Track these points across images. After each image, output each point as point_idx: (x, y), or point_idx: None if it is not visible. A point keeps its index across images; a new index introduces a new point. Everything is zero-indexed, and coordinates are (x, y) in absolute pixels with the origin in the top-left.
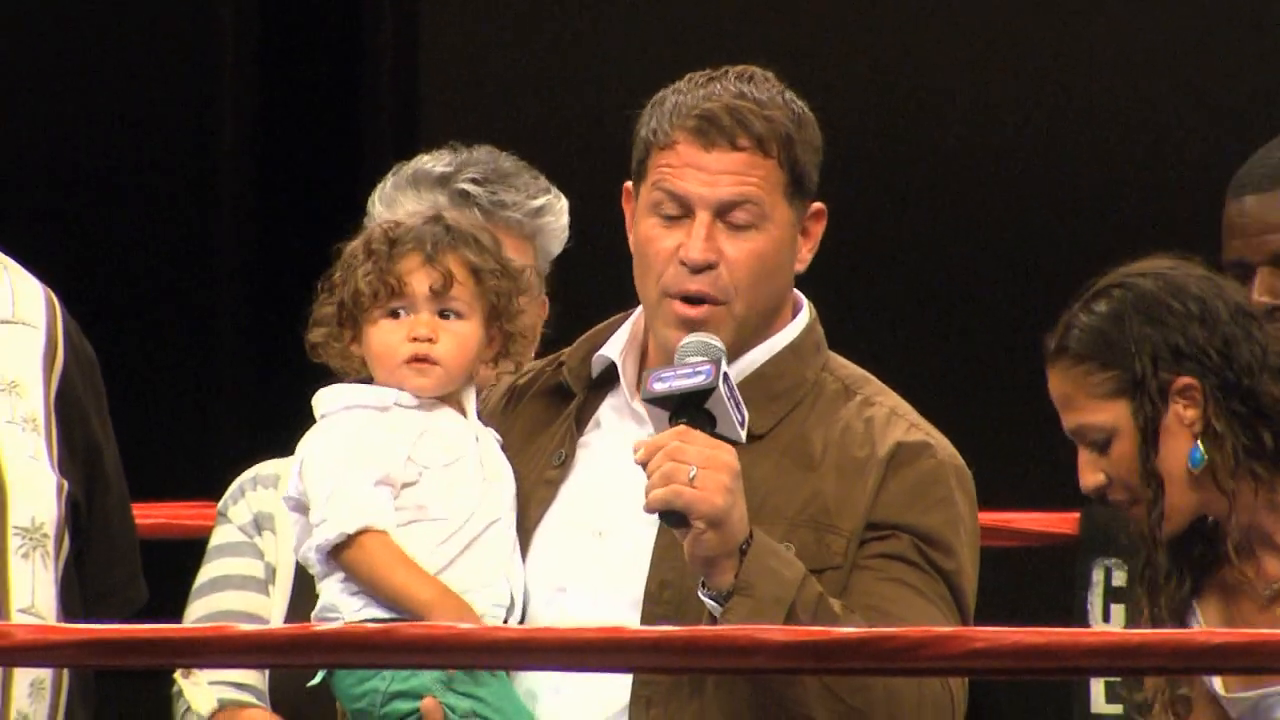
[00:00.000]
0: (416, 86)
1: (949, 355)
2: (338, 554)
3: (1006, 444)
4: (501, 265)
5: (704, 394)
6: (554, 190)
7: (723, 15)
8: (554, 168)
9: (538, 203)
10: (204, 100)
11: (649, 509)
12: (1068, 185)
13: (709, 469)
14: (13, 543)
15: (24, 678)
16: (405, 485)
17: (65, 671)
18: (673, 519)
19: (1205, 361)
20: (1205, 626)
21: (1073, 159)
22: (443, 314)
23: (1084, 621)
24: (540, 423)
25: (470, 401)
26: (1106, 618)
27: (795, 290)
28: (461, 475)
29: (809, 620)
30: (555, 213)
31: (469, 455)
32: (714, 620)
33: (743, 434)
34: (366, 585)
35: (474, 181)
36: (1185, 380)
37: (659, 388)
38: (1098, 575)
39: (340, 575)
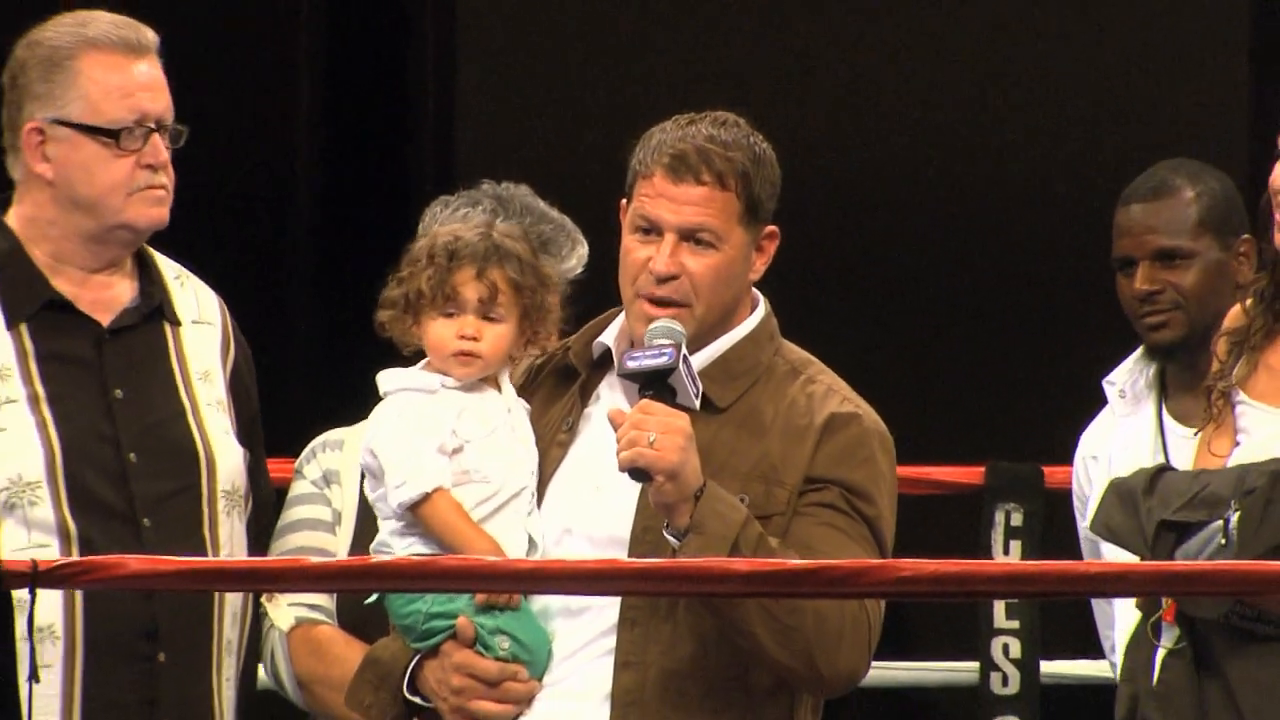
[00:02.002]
0: (453, 113)
1: (880, 339)
2: (415, 508)
3: (924, 409)
4: (538, 278)
5: (667, 371)
6: (577, 236)
7: (726, 57)
8: (568, 184)
9: (568, 264)
10: (282, 126)
11: (620, 468)
12: (973, 200)
13: (666, 434)
14: (220, 504)
15: (228, 609)
16: (453, 452)
17: (250, 604)
18: (638, 475)
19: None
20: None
21: (978, 172)
22: (486, 317)
23: (988, 555)
24: (553, 396)
25: (505, 378)
26: (1006, 551)
27: (754, 289)
28: (496, 444)
29: (750, 554)
30: (578, 261)
31: (503, 426)
32: (675, 555)
33: (697, 403)
34: (435, 533)
35: None
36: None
37: (631, 366)
38: (999, 517)
39: (395, 519)
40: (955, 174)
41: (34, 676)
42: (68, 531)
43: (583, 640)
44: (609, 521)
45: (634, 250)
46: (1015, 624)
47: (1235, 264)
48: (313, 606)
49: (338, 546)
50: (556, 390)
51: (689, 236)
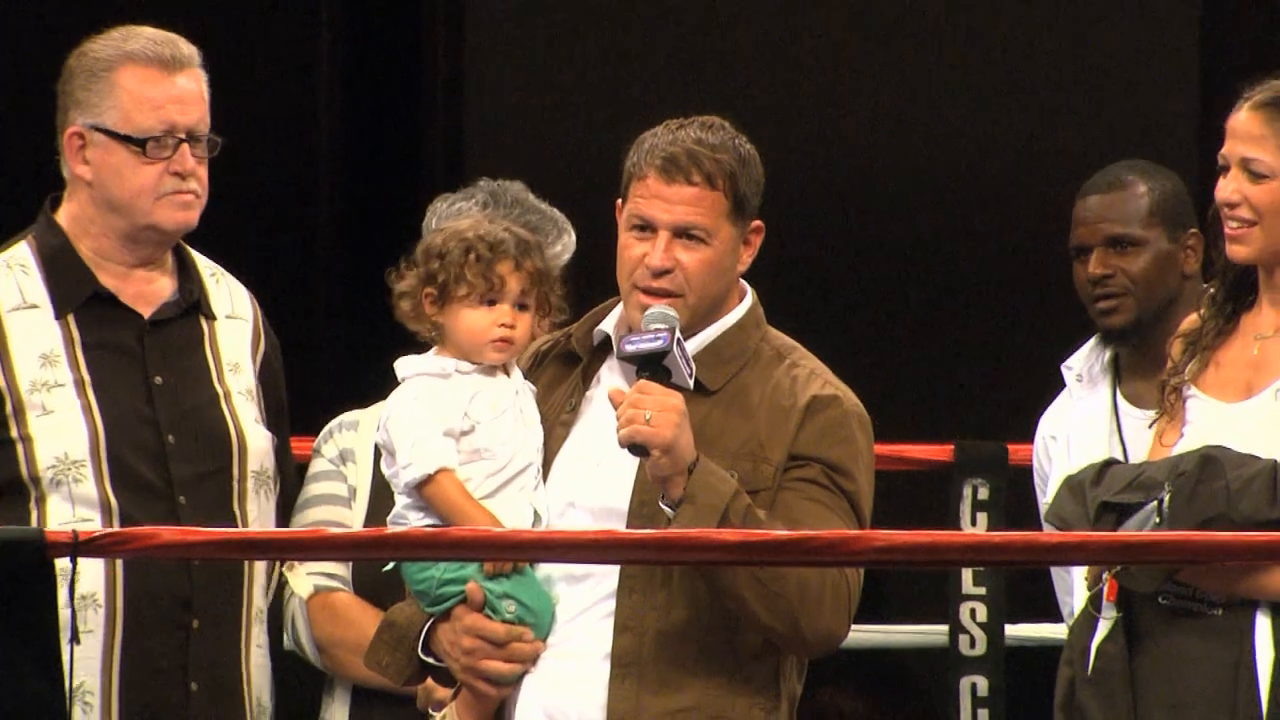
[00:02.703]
0: (462, 118)
1: (858, 328)
2: (421, 488)
3: (899, 392)
4: (552, 271)
5: (662, 354)
6: (564, 225)
7: (721, 68)
8: (567, 185)
9: (554, 251)
10: (305, 132)
11: (619, 443)
12: (943, 202)
13: (661, 411)
14: (250, 484)
15: (258, 580)
16: (463, 434)
17: (276, 574)
18: (636, 450)
19: None
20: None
21: (948, 173)
22: (519, 306)
23: (957, 526)
24: (557, 379)
25: (514, 363)
26: (974, 523)
27: (741, 280)
28: (505, 425)
29: (739, 523)
30: (564, 248)
31: (511, 408)
32: (669, 523)
33: (690, 382)
34: (439, 510)
35: None
36: None
37: (629, 349)
38: (967, 492)
39: (413, 498)
40: (927, 174)
41: (75, 639)
42: (109, 507)
43: (584, 605)
44: (608, 495)
45: (631, 247)
46: (982, 590)
47: (1183, 255)
48: (330, 575)
49: (353, 519)
50: (560, 374)
51: (681, 233)
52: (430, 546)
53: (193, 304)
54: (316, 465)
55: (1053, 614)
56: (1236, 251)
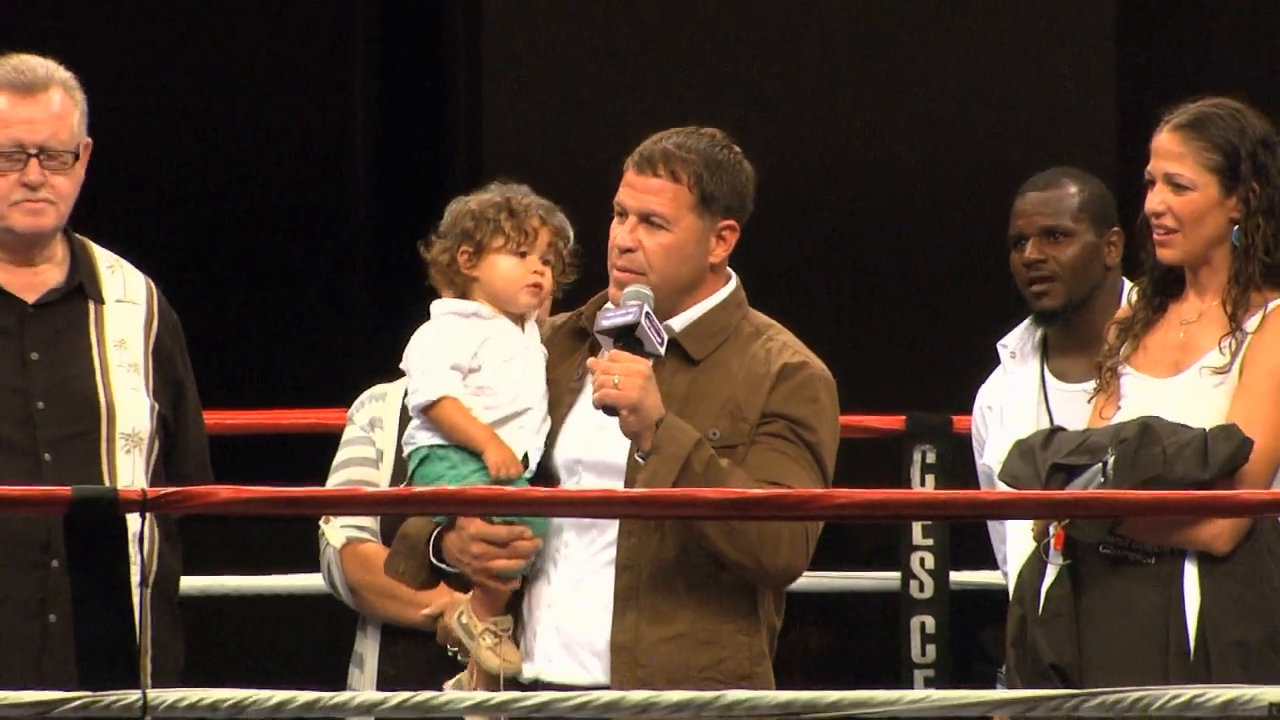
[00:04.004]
0: (481, 128)
1: (821, 312)
2: (427, 410)
3: (856, 369)
4: (567, 232)
5: (632, 326)
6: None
7: (728, 82)
8: (578, 184)
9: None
10: (341, 143)
11: (594, 405)
12: (899, 206)
13: (627, 376)
14: (119, 444)
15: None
16: (471, 371)
17: (153, 527)
18: (609, 410)
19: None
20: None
21: (903, 176)
22: (544, 260)
23: (909, 486)
24: (568, 351)
25: (532, 321)
26: (923, 483)
27: (728, 268)
28: (511, 370)
29: (701, 470)
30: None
31: (518, 356)
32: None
33: (661, 350)
34: (443, 430)
35: None
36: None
37: (605, 324)
38: (917, 456)
39: (421, 420)
40: (886, 176)
41: (145, 584)
42: None
43: (592, 551)
44: (609, 452)
45: (612, 231)
46: (930, 541)
47: (1106, 249)
48: (360, 528)
49: (380, 479)
50: (571, 347)
51: (645, 219)
52: (449, 503)
53: (76, 288)
54: (349, 431)
55: (990, 562)
56: (1165, 254)
